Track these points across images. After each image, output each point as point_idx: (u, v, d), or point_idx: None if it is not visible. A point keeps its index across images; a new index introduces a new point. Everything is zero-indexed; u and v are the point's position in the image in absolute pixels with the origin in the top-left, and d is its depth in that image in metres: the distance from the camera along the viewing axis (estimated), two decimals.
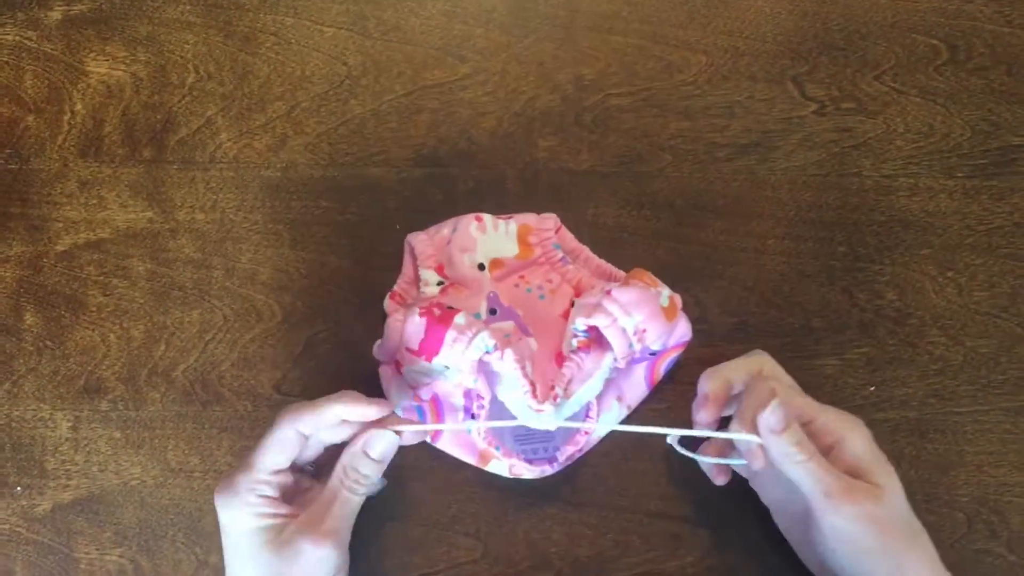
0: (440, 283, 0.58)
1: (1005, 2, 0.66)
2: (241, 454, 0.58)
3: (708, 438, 0.55)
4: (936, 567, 0.53)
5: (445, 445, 0.60)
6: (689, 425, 0.54)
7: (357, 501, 0.53)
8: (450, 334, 0.53)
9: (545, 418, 0.57)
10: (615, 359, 0.57)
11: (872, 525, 0.52)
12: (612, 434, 0.58)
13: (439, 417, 0.59)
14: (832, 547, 0.53)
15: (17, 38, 0.64)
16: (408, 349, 0.55)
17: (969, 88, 0.65)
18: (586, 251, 0.63)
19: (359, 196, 0.64)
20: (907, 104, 0.65)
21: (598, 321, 0.55)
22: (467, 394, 0.58)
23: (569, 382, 0.57)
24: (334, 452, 0.54)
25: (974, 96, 0.65)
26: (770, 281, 0.63)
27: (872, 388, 0.62)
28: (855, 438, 0.54)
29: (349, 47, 0.65)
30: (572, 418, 0.59)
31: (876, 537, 0.53)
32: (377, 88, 0.65)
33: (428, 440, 0.59)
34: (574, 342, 0.58)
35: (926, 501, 0.62)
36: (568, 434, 0.60)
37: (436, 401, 0.59)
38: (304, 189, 0.64)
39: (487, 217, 0.59)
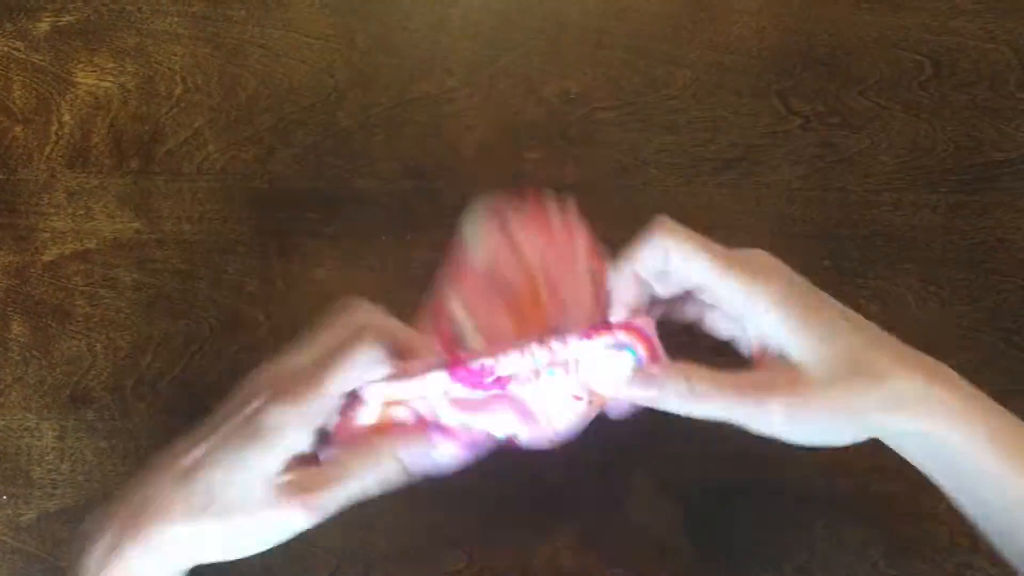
0: None
1: (989, 18, 0.66)
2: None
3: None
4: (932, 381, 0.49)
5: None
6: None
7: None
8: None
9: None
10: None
11: (803, 411, 0.48)
12: (600, 446, 0.58)
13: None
14: None
15: (5, 49, 0.64)
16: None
17: (953, 104, 0.65)
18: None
19: (345, 208, 0.64)
20: (891, 119, 0.65)
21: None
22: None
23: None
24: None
25: (958, 112, 0.65)
26: None
27: None
28: (760, 309, 0.49)
29: (337, 60, 0.65)
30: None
31: (815, 420, 0.49)
32: (364, 101, 0.65)
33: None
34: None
35: (908, 514, 0.61)
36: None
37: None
38: (291, 200, 0.64)
39: None
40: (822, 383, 0.48)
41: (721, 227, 0.62)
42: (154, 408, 0.62)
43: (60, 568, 0.60)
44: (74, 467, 0.61)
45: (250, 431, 0.47)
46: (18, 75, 0.64)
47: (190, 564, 0.47)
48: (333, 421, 0.48)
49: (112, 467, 0.61)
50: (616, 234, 0.61)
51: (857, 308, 0.61)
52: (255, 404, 0.47)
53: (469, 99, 0.66)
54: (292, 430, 0.46)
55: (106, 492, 0.61)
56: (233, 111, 0.65)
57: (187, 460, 0.47)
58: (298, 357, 0.49)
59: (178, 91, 0.65)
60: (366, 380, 0.48)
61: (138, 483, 0.48)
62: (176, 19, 0.65)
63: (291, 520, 0.46)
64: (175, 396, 0.62)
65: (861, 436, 0.49)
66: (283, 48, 0.66)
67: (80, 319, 0.62)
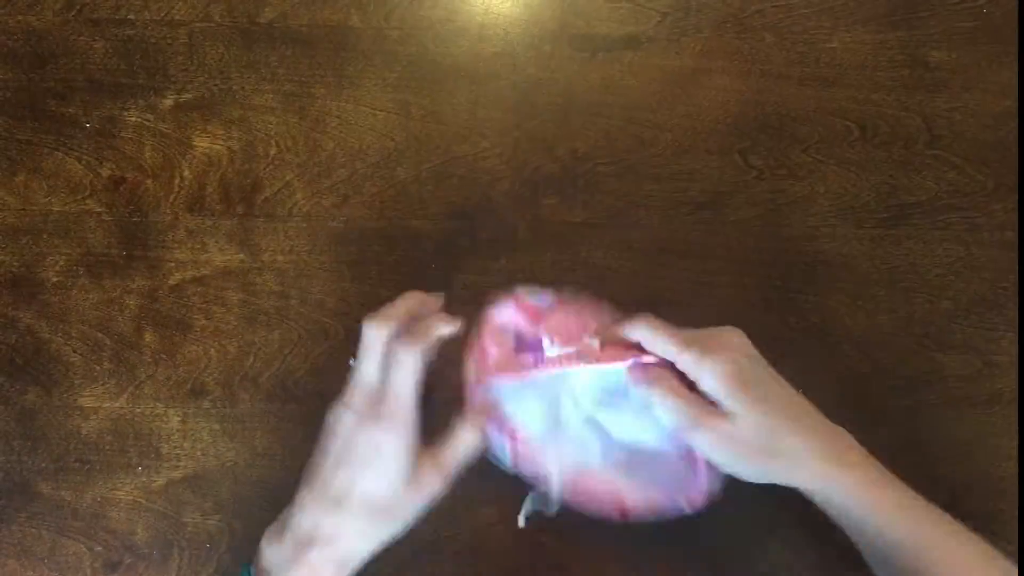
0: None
1: (902, 93, 0.73)
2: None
3: None
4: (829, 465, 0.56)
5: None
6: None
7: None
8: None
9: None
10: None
11: (727, 443, 0.55)
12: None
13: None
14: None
15: (138, 119, 0.71)
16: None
17: (875, 159, 0.73)
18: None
19: (403, 242, 0.70)
20: (827, 171, 0.73)
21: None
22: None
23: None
24: None
25: (878, 165, 0.73)
26: (722, 308, 0.71)
27: (799, 391, 0.65)
28: (705, 377, 0.55)
29: (396, 127, 0.72)
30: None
31: (735, 455, 0.55)
32: (418, 159, 0.71)
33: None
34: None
35: None
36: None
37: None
38: (361, 237, 0.71)
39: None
40: (744, 442, 0.55)
41: (695, 256, 0.71)
42: (256, 398, 0.69)
43: (182, 523, 0.67)
44: (194, 444, 0.68)
45: (368, 455, 0.55)
46: (148, 140, 0.71)
47: (359, 560, 0.56)
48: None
49: (223, 444, 0.68)
50: (615, 263, 0.70)
51: (801, 318, 0.69)
52: (360, 435, 0.55)
53: (499, 157, 0.72)
54: (391, 444, 0.54)
55: (220, 463, 0.68)
56: (316, 167, 0.71)
57: (333, 490, 0.55)
58: (364, 386, 0.56)
59: (272, 152, 0.71)
60: (421, 370, 0.55)
61: (300, 511, 0.56)
62: (271, 96, 0.72)
63: (434, 489, 0.56)
64: (272, 389, 0.69)
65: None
66: (354, 118, 0.72)
67: (198, 330, 0.70)
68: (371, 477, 0.55)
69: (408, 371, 0.55)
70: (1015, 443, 0.71)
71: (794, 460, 0.56)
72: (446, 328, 0.56)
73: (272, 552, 0.57)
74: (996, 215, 0.73)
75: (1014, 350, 0.72)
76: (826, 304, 0.71)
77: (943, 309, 0.72)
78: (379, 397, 0.55)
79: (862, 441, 0.62)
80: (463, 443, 0.58)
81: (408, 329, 0.56)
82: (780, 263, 0.72)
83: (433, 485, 0.56)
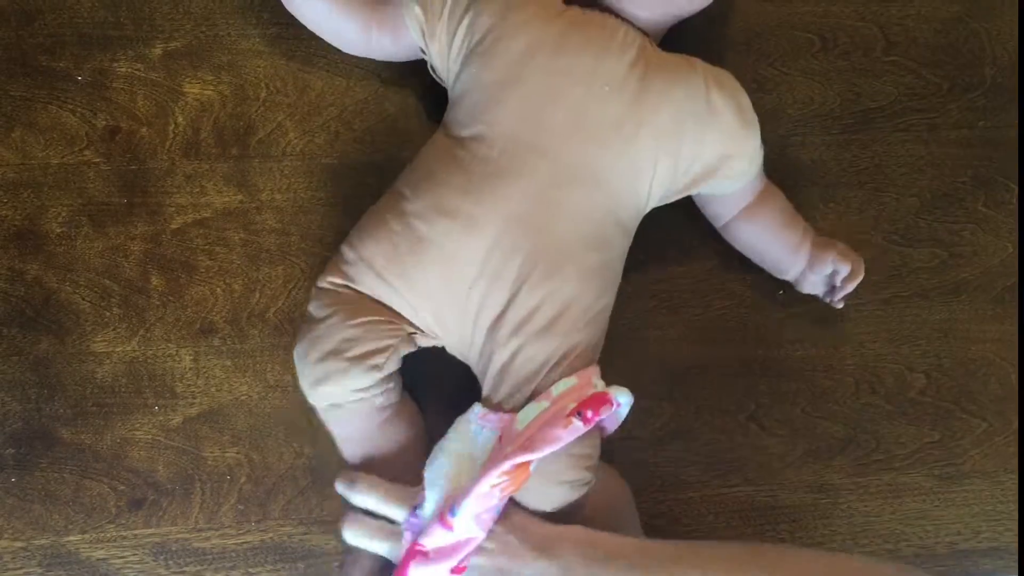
0: None
1: (859, 4, 0.77)
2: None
3: None
4: None
5: None
6: None
7: None
8: None
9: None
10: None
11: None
12: None
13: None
14: None
15: (129, 70, 0.71)
16: None
17: (837, 68, 0.76)
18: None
19: (396, 174, 0.67)
20: (793, 83, 0.76)
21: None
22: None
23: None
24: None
25: (841, 74, 0.76)
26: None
27: (781, 292, 0.73)
28: None
29: (381, 63, 0.72)
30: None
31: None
32: (403, 93, 0.73)
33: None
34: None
35: (824, 372, 0.73)
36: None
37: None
38: (355, 171, 0.72)
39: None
40: None
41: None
42: (263, 333, 0.71)
43: (202, 457, 0.69)
44: (207, 381, 0.70)
45: None
46: (140, 89, 0.71)
47: None
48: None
49: (236, 379, 0.70)
50: None
51: None
52: None
53: None
54: None
55: (234, 398, 0.70)
56: (306, 107, 0.72)
57: None
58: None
59: (263, 94, 0.72)
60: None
61: None
62: (257, 39, 0.72)
63: None
64: (279, 323, 0.71)
65: None
66: (340, 57, 0.72)
67: (203, 270, 0.71)
68: None
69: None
70: (983, 328, 0.76)
71: None
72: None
73: None
74: (952, 114, 0.78)
75: (976, 240, 0.77)
76: (799, 208, 0.72)
77: (909, 206, 0.76)
78: None
79: (842, 332, 0.68)
80: None
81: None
82: None
83: None
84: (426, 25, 0.64)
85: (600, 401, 0.59)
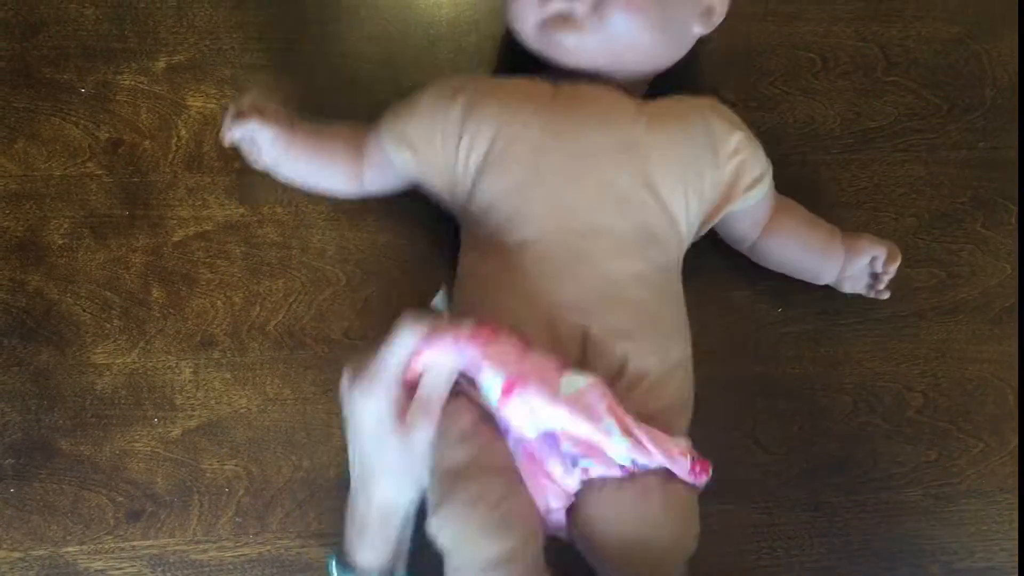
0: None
1: (860, 25, 0.77)
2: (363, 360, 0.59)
3: None
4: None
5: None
6: None
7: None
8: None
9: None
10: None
11: None
12: None
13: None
14: None
15: (132, 83, 0.71)
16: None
17: (838, 88, 0.76)
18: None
19: (402, 197, 0.69)
20: (794, 102, 0.76)
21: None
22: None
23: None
24: None
25: (842, 94, 0.76)
26: None
27: (780, 309, 0.74)
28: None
29: (381, 79, 0.72)
30: None
31: None
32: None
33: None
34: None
35: (822, 390, 0.73)
36: None
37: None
38: None
39: None
40: None
41: None
42: (263, 346, 0.71)
43: (201, 469, 0.69)
44: (207, 394, 0.70)
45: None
46: (144, 102, 0.71)
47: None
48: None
49: (235, 392, 0.70)
50: None
51: None
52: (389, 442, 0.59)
53: None
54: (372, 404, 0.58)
55: (233, 411, 0.69)
56: (307, 122, 0.68)
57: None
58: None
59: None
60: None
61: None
62: (260, 53, 0.73)
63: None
64: (279, 336, 0.71)
65: None
66: (341, 71, 0.73)
67: (204, 283, 0.71)
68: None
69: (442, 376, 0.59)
70: (981, 348, 0.76)
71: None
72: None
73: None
74: (951, 135, 0.78)
75: (974, 261, 0.77)
76: None
77: (908, 226, 0.76)
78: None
79: (841, 350, 0.69)
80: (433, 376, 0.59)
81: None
82: None
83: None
84: (416, 164, 0.65)
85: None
